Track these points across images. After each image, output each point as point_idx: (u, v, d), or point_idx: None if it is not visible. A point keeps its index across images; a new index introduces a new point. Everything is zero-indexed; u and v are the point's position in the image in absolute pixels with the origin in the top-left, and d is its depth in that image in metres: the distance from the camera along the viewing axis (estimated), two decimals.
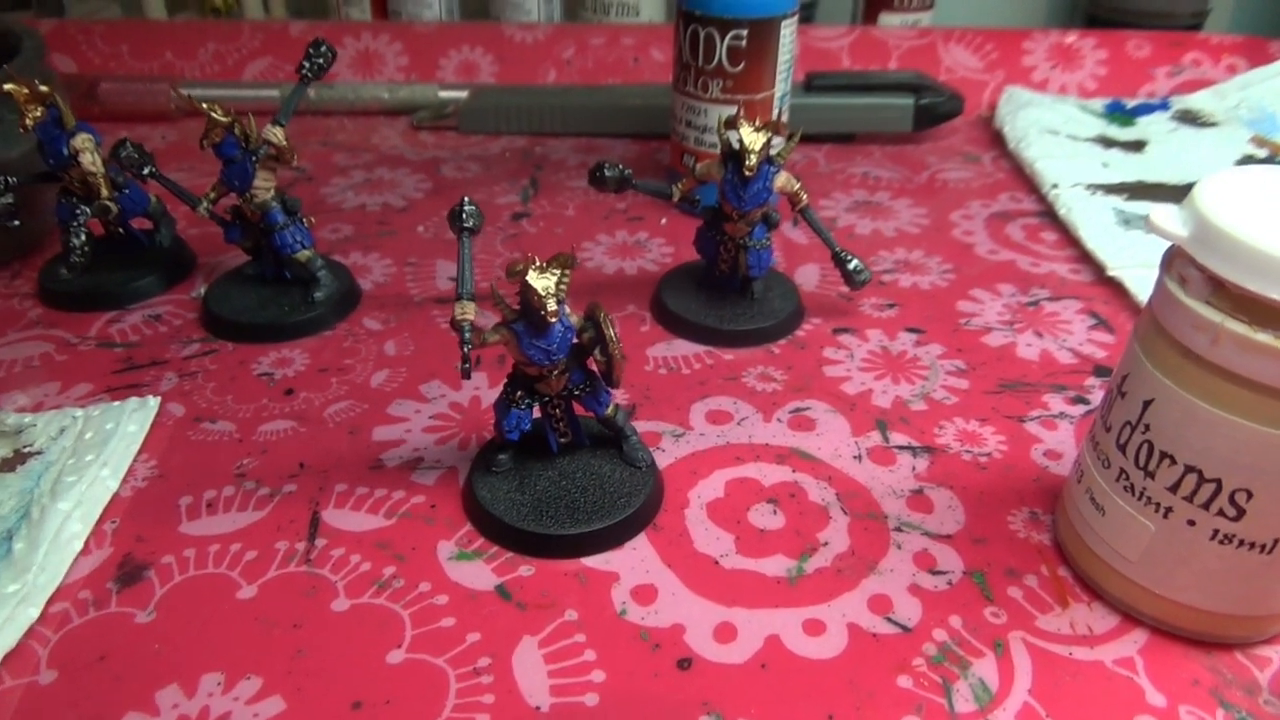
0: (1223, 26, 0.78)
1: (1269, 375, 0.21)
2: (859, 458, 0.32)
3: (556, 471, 0.29)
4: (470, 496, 0.29)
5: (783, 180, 0.36)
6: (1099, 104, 0.61)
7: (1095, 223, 0.45)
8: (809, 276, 0.42)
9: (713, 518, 0.29)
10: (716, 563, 0.27)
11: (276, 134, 0.36)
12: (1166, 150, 0.55)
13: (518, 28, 0.64)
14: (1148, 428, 0.24)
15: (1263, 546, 0.23)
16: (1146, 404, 0.24)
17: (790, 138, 0.35)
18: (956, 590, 0.27)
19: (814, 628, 0.25)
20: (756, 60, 0.43)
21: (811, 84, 0.56)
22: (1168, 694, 0.24)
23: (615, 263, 0.43)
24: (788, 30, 0.43)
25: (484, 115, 0.57)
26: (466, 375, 0.26)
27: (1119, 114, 0.59)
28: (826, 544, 0.28)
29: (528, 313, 0.26)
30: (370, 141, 0.57)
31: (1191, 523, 0.24)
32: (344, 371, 0.35)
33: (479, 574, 0.27)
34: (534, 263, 0.25)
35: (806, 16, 0.73)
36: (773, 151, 0.35)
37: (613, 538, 0.28)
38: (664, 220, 0.47)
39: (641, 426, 0.33)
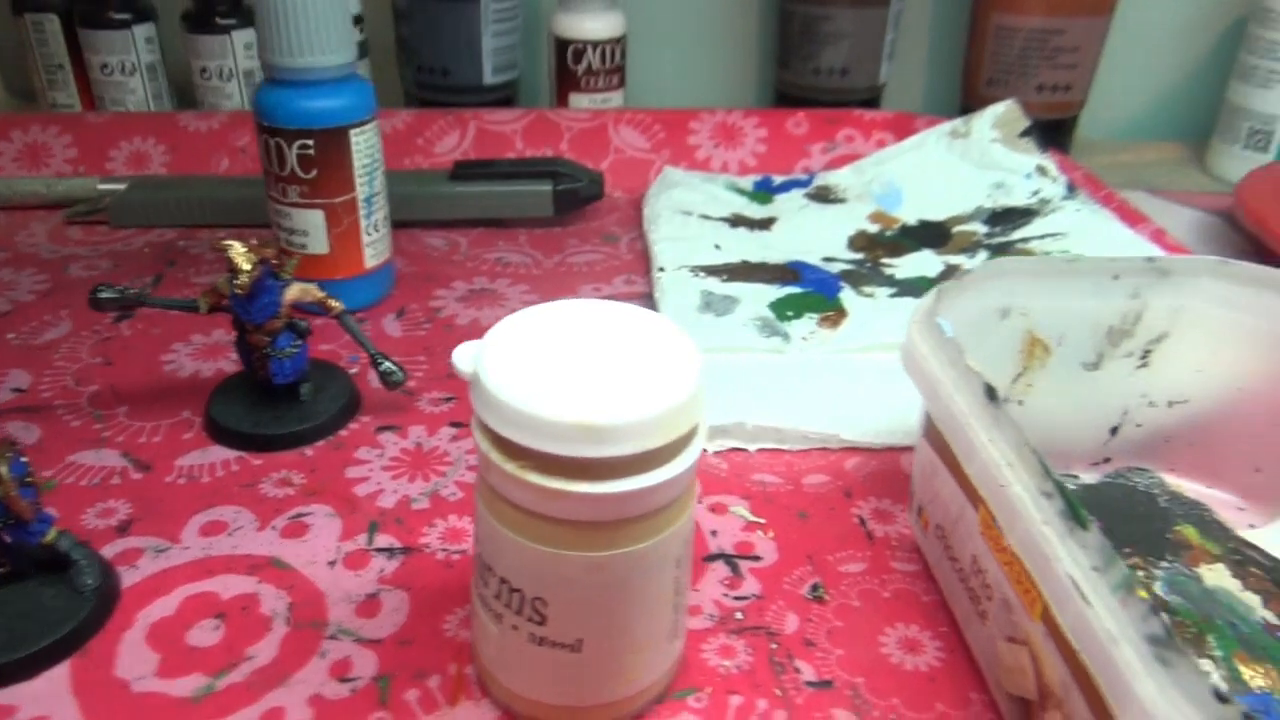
0: (908, 100, 0.84)
1: (525, 500, 0.24)
2: (334, 563, 0.33)
3: None
4: None
5: (296, 292, 0.38)
6: (749, 181, 0.65)
7: (678, 305, 0.48)
8: None
9: (150, 638, 0.30)
10: (128, 687, 0.28)
11: None
12: (789, 227, 0.59)
13: (193, 116, 0.65)
14: (479, 540, 0.26)
15: (570, 646, 0.26)
16: (479, 518, 0.26)
17: (290, 259, 0.37)
18: (357, 697, 0.28)
19: None
20: (330, 167, 0.45)
21: (457, 172, 0.59)
22: None
23: (196, 364, 0.44)
24: (361, 138, 0.45)
25: (135, 208, 0.58)
26: None
27: (762, 192, 0.64)
28: (252, 658, 0.29)
29: None
30: (13, 239, 0.56)
31: (515, 627, 0.26)
32: None
33: None
34: None
35: (506, 98, 0.76)
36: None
37: (24, 669, 0.28)
38: None
39: (129, 543, 0.34)
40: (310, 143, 0.44)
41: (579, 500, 0.23)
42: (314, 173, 0.44)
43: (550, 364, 0.24)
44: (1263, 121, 0.72)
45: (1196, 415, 0.38)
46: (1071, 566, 0.22)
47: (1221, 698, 0.18)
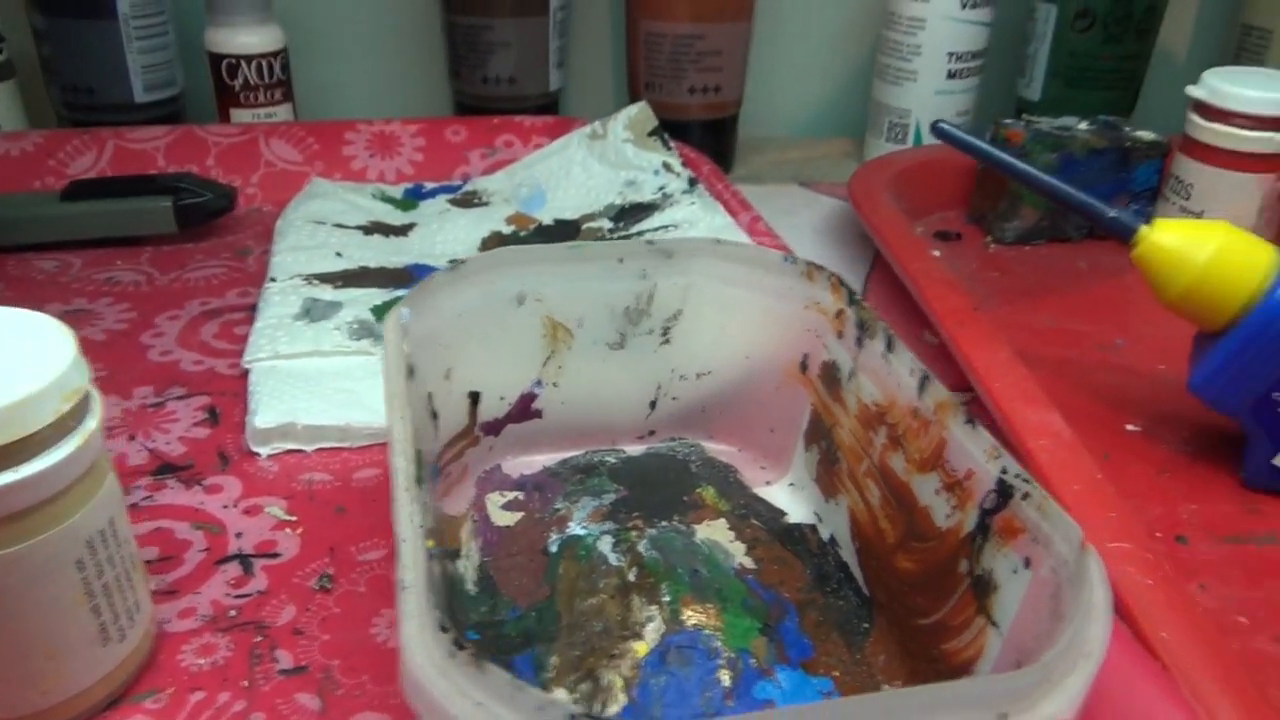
0: (592, 105, 0.87)
1: None
2: None
3: None
4: None
5: None
6: (399, 189, 0.65)
7: (276, 314, 0.48)
8: None
9: None
10: None
11: None
12: (426, 233, 0.60)
13: None
14: None
15: None
16: None
17: None
18: None
19: None
20: None
21: (71, 191, 0.56)
22: None
23: None
24: None
25: None
26: None
27: (409, 199, 0.64)
28: None
29: None
30: None
31: None
32: None
33: None
34: None
35: (171, 115, 0.73)
36: None
37: None
38: None
39: None
40: None
41: None
42: None
43: None
44: (898, 115, 0.79)
45: (721, 385, 0.41)
46: (405, 525, 0.24)
47: (444, 629, 0.20)
